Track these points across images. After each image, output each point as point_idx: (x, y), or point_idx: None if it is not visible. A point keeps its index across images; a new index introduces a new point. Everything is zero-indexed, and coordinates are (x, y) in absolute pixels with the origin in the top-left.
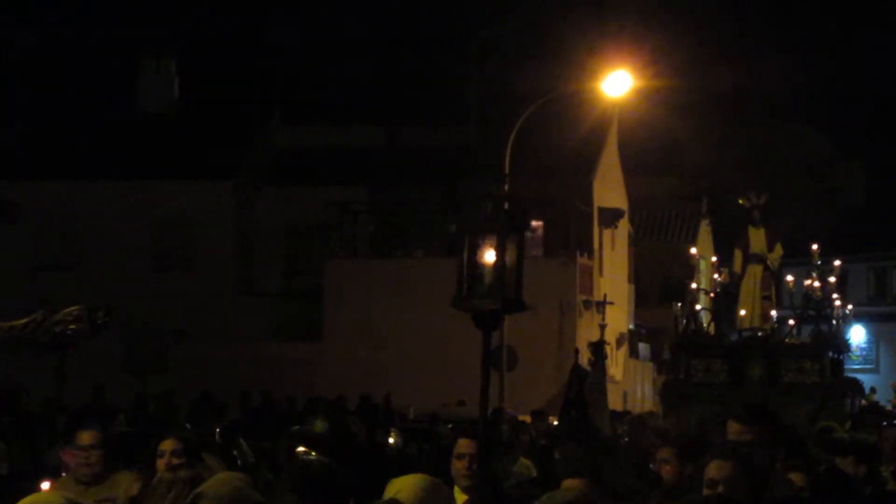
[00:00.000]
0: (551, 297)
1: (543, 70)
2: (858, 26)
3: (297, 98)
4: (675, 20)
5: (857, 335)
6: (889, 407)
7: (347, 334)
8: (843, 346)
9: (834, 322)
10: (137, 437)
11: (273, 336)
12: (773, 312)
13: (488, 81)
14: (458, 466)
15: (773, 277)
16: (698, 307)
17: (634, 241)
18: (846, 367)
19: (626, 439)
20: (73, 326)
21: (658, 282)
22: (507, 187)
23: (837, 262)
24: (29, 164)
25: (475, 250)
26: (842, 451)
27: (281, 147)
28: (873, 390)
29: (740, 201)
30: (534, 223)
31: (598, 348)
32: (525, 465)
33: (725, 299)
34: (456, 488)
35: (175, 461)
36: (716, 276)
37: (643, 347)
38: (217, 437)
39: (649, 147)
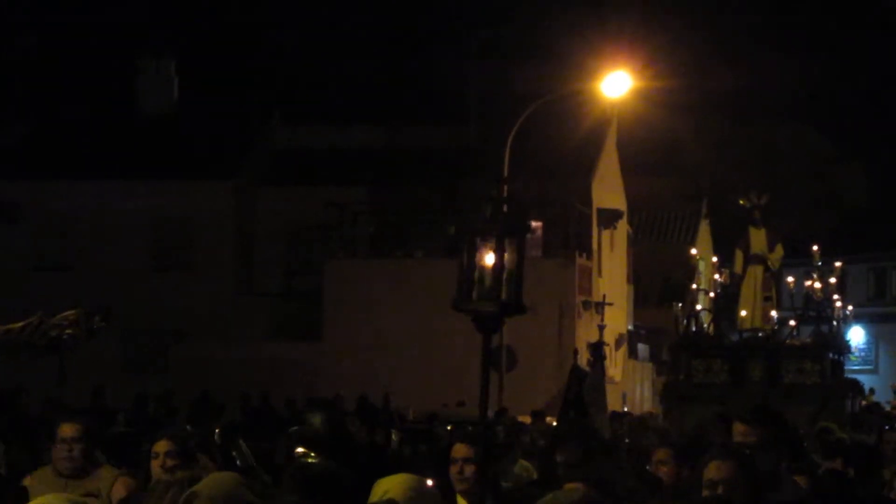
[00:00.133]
0: (550, 297)
1: (543, 70)
2: (858, 26)
3: (297, 98)
4: (675, 20)
5: (857, 336)
6: (888, 408)
7: (347, 335)
8: (844, 347)
9: (834, 323)
10: (136, 437)
11: (273, 336)
12: (774, 313)
13: (488, 81)
14: (452, 471)
15: (773, 278)
16: (699, 307)
17: (634, 242)
18: (845, 367)
19: (628, 440)
20: (69, 331)
21: (657, 282)
22: (506, 189)
23: (838, 263)
24: (29, 164)
25: (475, 253)
26: (830, 453)
27: (281, 147)
28: (872, 391)
29: (741, 202)
30: (533, 224)
31: (596, 349)
32: (524, 467)
33: (726, 300)
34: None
35: (169, 462)
36: (716, 276)
37: (642, 348)
38: (217, 437)
39: (649, 147)
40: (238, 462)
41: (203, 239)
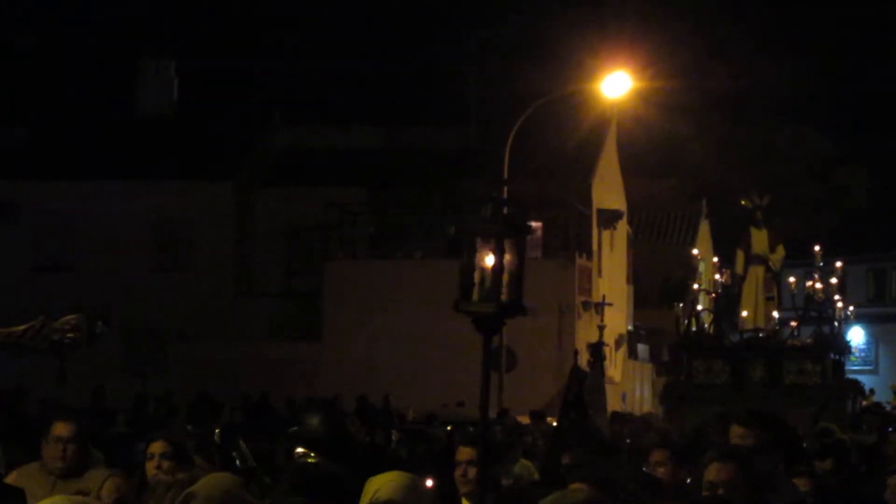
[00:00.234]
0: (550, 298)
1: (543, 70)
2: (858, 26)
3: (297, 98)
4: (675, 21)
5: (857, 336)
6: (888, 408)
7: (347, 335)
8: (844, 348)
9: (835, 323)
10: (136, 437)
11: (273, 336)
12: (775, 313)
13: (488, 81)
14: (457, 474)
15: (775, 279)
16: (699, 308)
17: (634, 242)
18: (845, 368)
19: (629, 441)
20: (70, 335)
21: (657, 283)
22: (506, 189)
23: (839, 264)
24: (29, 164)
25: (475, 253)
26: (822, 454)
27: (281, 147)
28: (871, 392)
29: (743, 202)
30: (533, 224)
31: (596, 349)
32: (525, 466)
33: (726, 300)
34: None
35: (165, 464)
36: (717, 276)
37: (642, 349)
38: (217, 438)
39: (649, 148)
40: (238, 463)
41: (203, 239)
